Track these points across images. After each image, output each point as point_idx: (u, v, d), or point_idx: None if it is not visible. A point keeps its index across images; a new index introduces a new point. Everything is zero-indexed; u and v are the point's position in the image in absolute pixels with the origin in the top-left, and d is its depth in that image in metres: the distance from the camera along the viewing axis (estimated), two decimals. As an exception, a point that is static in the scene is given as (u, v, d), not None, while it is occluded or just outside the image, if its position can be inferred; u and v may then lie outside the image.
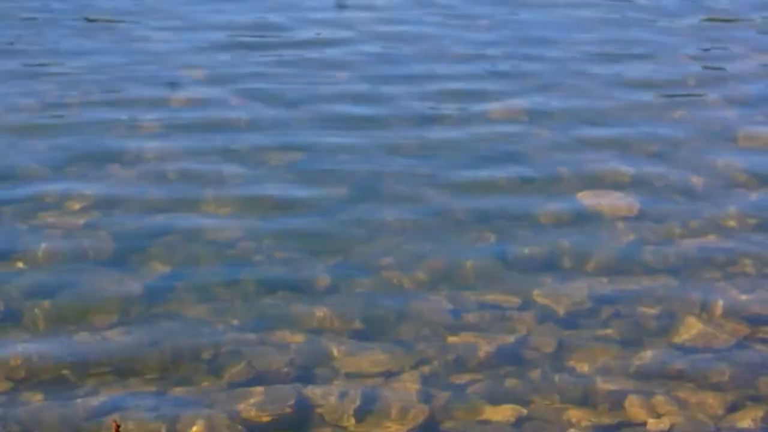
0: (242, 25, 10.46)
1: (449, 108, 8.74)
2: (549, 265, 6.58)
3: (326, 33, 10.30)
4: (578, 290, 6.31)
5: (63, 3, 10.87)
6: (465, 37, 10.29)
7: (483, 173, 7.66)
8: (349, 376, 5.52)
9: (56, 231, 6.71)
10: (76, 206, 7.02)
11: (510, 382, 5.53)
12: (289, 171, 7.60)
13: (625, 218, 7.13)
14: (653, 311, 6.15)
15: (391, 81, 9.17)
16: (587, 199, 7.35)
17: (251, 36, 10.17)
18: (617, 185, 7.56)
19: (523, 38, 10.35)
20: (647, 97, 9.16)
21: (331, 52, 9.80)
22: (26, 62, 9.36)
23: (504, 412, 5.29)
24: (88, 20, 10.41)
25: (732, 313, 6.15)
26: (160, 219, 6.91)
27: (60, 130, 8.10)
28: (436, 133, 8.30)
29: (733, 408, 5.38)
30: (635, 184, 7.59)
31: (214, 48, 9.84)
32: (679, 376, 5.61)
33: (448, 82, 9.23)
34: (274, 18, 10.69)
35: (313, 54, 9.75)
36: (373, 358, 5.65)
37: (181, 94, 8.80)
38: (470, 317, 6.04)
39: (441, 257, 6.60)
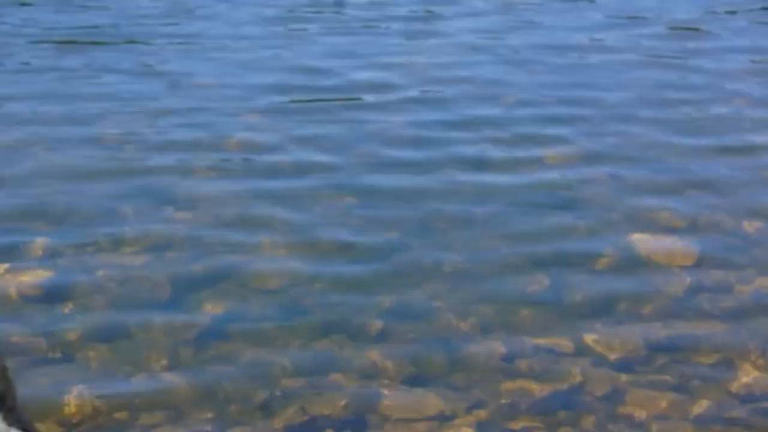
0: (294, 69, 10.52)
1: (502, 152, 8.73)
2: (603, 309, 6.53)
3: (377, 77, 10.33)
4: (633, 336, 6.26)
5: (116, 53, 11.03)
6: (516, 81, 10.28)
7: (536, 217, 7.63)
8: (401, 420, 5.50)
9: (110, 272, 6.76)
10: (131, 248, 7.08)
11: (564, 429, 5.48)
12: (341, 215, 7.62)
13: (680, 263, 7.06)
14: (709, 358, 6.08)
15: (442, 125, 9.16)
16: (642, 243, 7.30)
17: (303, 80, 10.22)
18: (672, 230, 7.50)
19: (576, 83, 10.33)
20: (702, 141, 9.09)
21: (383, 96, 9.82)
22: (82, 106, 9.48)
23: (558, 459, 5.27)
24: (145, 66, 10.55)
25: (790, 359, 6.09)
26: (213, 262, 6.94)
27: (115, 172, 8.18)
28: (489, 178, 8.29)
29: (791, 456, 5.32)
30: (690, 229, 7.52)
31: (265, 92, 9.90)
32: (736, 424, 5.54)
33: (500, 126, 9.20)
34: (324, 63, 10.74)
35: (364, 97, 9.78)
36: (426, 402, 5.63)
37: (234, 138, 8.85)
38: (524, 362, 6.00)
39: (494, 301, 6.58)
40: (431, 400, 5.64)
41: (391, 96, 9.87)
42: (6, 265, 6.80)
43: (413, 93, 9.95)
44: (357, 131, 9.06)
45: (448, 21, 12.32)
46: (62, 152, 8.56)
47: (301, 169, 8.35)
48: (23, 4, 12.44)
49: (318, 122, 9.22)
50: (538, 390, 5.77)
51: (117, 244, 7.13)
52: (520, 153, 8.74)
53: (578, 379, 5.88)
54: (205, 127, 9.13)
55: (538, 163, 8.59)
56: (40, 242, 7.12)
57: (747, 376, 5.91)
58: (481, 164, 8.54)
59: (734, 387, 5.84)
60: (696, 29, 12.22)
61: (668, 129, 9.33)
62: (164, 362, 5.90)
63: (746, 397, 5.76)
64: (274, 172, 8.27)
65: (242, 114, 9.49)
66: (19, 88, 9.85)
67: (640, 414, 5.59)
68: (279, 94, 9.86)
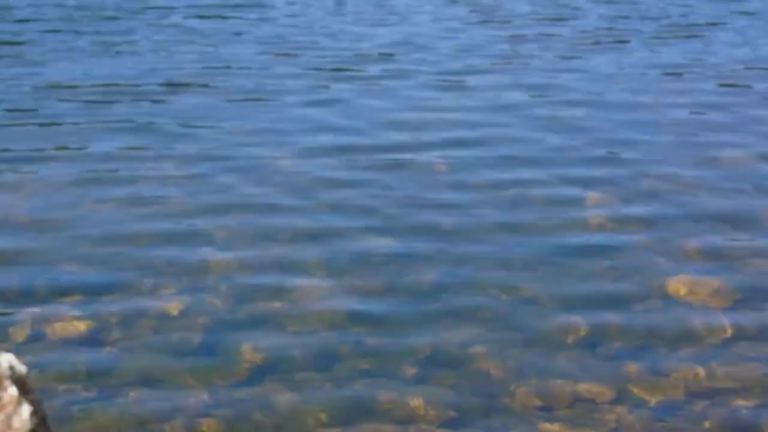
0: (329, 126, 10.54)
1: (539, 196, 8.73)
2: (642, 353, 6.50)
3: (404, 137, 10.26)
4: (672, 379, 6.23)
5: (150, 104, 11.17)
6: (543, 140, 10.24)
7: (572, 261, 7.62)
8: (440, 466, 5.50)
9: (148, 316, 6.84)
10: (168, 291, 7.14)
11: (603, 474, 5.46)
12: (377, 258, 7.66)
13: (719, 306, 7.03)
14: (750, 402, 6.03)
15: (470, 188, 9.07)
16: (680, 286, 7.27)
17: (339, 137, 10.22)
18: (711, 272, 7.47)
19: (603, 139, 10.21)
20: (740, 185, 9.08)
21: (415, 156, 9.78)
22: (115, 157, 9.58)
23: (597, 504, 5.22)
24: (183, 125, 10.63)
25: (833, 404, 6.02)
26: (249, 305, 6.99)
27: (152, 216, 8.29)
28: (526, 223, 8.29)
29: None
30: (729, 272, 7.48)
31: (300, 145, 9.94)
32: (778, 470, 5.50)
33: (528, 186, 9.18)
34: (358, 120, 10.74)
35: (396, 157, 9.76)
36: (463, 447, 5.63)
37: (270, 181, 8.92)
38: (561, 406, 5.98)
39: (531, 344, 6.57)
40: (469, 445, 5.63)
41: (423, 155, 9.77)
42: (45, 310, 6.87)
43: (445, 151, 9.90)
44: (383, 193, 8.89)
45: (479, 76, 12.34)
46: (98, 199, 8.64)
47: (337, 216, 8.38)
48: (62, 59, 12.61)
49: (341, 185, 9.09)
50: (577, 435, 5.75)
51: (154, 288, 7.19)
52: (558, 198, 8.74)
53: (617, 423, 5.85)
54: (241, 171, 9.22)
55: (576, 206, 8.60)
56: (77, 287, 7.20)
57: (788, 421, 5.86)
58: (518, 209, 8.54)
59: (775, 431, 5.80)
60: (738, 84, 12.18)
61: (705, 173, 9.30)
62: (200, 406, 5.92)
63: (787, 442, 5.71)
64: (310, 222, 8.31)
65: (277, 160, 9.55)
66: (53, 142, 9.95)
67: (680, 459, 5.55)
68: (314, 150, 9.85)
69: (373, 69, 12.51)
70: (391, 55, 13.11)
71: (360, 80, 12.08)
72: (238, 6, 15.93)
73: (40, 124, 10.51)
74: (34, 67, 12.32)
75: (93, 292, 7.15)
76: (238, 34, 14.20)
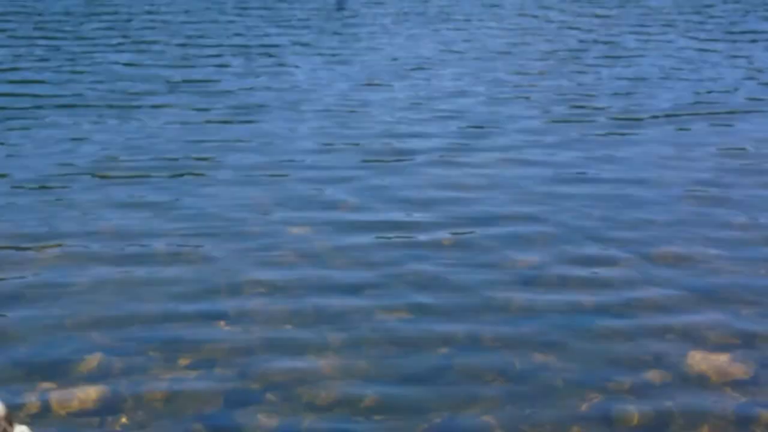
0: (328, 205, 10.52)
1: (546, 283, 8.67)
2: (657, 428, 6.45)
3: (416, 215, 10.20)
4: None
5: (160, 182, 11.22)
6: (554, 219, 10.19)
7: (586, 332, 7.59)
8: None
9: (162, 388, 6.82)
10: (183, 363, 7.14)
11: None
12: (389, 333, 7.64)
13: (735, 380, 6.98)
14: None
15: (481, 266, 8.94)
16: (696, 360, 7.23)
17: (343, 219, 10.17)
18: (727, 347, 7.42)
19: (616, 218, 10.11)
20: (752, 252, 9.09)
21: (422, 236, 9.69)
22: (131, 227, 9.61)
23: None
24: (194, 203, 10.66)
25: None
26: (263, 378, 6.97)
27: (166, 289, 8.30)
28: (538, 296, 8.28)
29: None
30: (745, 346, 7.44)
31: (307, 231, 9.93)
32: None
33: (540, 265, 9.08)
34: (360, 199, 10.70)
35: (402, 236, 9.72)
36: None
37: (275, 278, 8.71)
38: (578, 479, 5.94)
39: (545, 419, 6.51)
40: None
41: (434, 233, 9.71)
42: (58, 381, 6.87)
43: (456, 229, 9.85)
44: (399, 273, 8.86)
45: (483, 153, 12.35)
46: (111, 277, 8.63)
47: (349, 295, 8.36)
48: (74, 139, 12.71)
49: (365, 258, 9.09)
50: (594, 508, 5.68)
51: (168, 359, 7.18)
52: (570, 277, 8.68)
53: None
54: (253, 251, 9.21)
55: (589, 285, 8.52)
56: (92, 358, 7.20)
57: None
58: (530, 287, 8.48)
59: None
60: (748, 161, 12.19)
61: (718, 251, 9.27)
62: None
63: None
64: (321, 300, 8.27)
65: (289, 238, 9.55)
66: (67, 218, 9.98)
67: None
68: (324, 228, 9.84)
69: (389, 144, 12.56)
70: (412, 131, 13.20)
71: (372, 157, 12.11)
72: (254, 76, 16.14)
73: (56, 200, 10.55)
74: (48, 139, 12.45)
75: (106, 368, 7.12)
76: (254, 106, 14.35)
